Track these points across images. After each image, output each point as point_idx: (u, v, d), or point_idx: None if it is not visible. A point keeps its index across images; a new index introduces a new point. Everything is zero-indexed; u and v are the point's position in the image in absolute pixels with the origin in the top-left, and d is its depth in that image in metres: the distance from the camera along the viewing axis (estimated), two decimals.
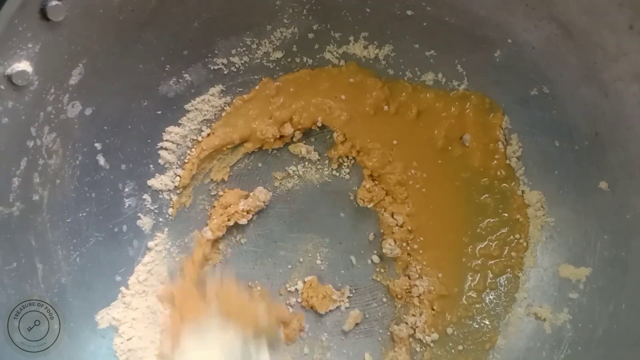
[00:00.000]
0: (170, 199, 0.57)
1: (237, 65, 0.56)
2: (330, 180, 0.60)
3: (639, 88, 0.45)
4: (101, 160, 0.51)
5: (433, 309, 0.57)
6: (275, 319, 0.56)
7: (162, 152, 0.56)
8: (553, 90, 0.52)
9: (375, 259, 0.59)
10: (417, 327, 0.57)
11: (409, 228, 0.58)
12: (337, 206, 0.60)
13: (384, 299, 0.59)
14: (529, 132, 0.56)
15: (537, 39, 0.49)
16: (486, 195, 0.57)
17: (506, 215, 0.57)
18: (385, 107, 0.57)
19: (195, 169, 0.57)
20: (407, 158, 0.58)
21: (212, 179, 0.59)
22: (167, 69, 0.52)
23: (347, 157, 0.59)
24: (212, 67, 0.55)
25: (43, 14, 0.39)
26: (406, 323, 0.58)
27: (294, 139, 0.59)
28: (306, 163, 0.60)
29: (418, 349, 0.57)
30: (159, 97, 0.53)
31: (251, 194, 0.58)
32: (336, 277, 0.60)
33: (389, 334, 0.58)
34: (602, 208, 0.51)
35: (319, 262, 0.60)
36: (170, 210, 0.57)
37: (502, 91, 0.56)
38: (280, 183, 0.60)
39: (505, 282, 0.57)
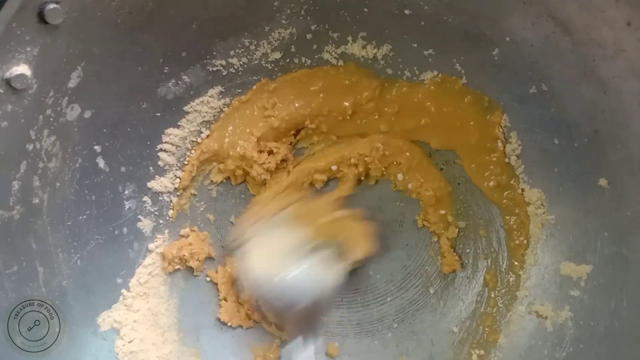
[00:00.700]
0: (170, 201, 0.57)
1: (235, 67, 0.56)
2: None
3: (637, 85, 0.45)
4: (101, 163, 0.51)
5: None
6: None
7: (161, 154, 0.56)
8: (552, 88, 0.51)
9: None
10: None
11: None
12: None
13: None
14: (528, 130, 0.56)
15: (535, 37, 0.49)
16: None
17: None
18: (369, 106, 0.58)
19: (195, 170, 0.58)
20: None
21: (212, 181, 0.59)
22: (165, 71, 0.52)
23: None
24: (210, 69, 0.55)
25: (41, 17, 0.39)
26: None
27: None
28: None
29: None
30: (158, 99, 0.53)
31: None
32: None
33: None
34: (603, 205, 0.51)
35: None
36: (170, 212, 0.57)
37: (500, 89, 0.55)
38: None
39: (506, 280, 0.57)
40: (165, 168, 0.56)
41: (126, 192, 0.54)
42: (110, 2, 0.44)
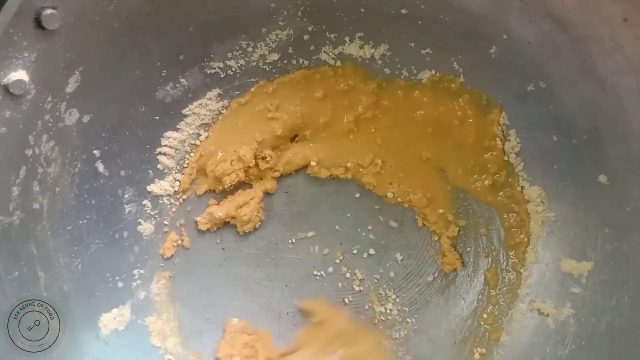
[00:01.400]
0: (170, 204, 0.57)
1: (233, 69, 0.56)
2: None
3: (635, 81, 0.45)
4: (100, 167, 0.51)
5: None
6: None
7: (161, 158, 0.56)
8: (550, 85, 0.51)
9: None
10: None
11: None
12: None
13: None
14: (527, 127, 0.55)
15: (532, 34, 0.49)
16: None
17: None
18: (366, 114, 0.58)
19: (195, 173, 0.58)
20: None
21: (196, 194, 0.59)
22: (163, 74, 0.52)
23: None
24: (208, 71, 0.55)
25: (38, 23, 0.39)
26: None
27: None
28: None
29: None
30: (157, 102, 0.53)
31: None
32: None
33: None
34: (602, 202, 0.50)
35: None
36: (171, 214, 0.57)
37: (498, 87, 0.55)
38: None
39: (507, 278, 0.57)
40: (165, 171, 0.56)
41: (126, 195, 0.54)
42: (107, 6, 0.44)
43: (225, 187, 0.57)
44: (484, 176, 0.58)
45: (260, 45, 0.56)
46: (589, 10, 0.44)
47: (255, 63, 0.56)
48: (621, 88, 0.46)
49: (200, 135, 0.57)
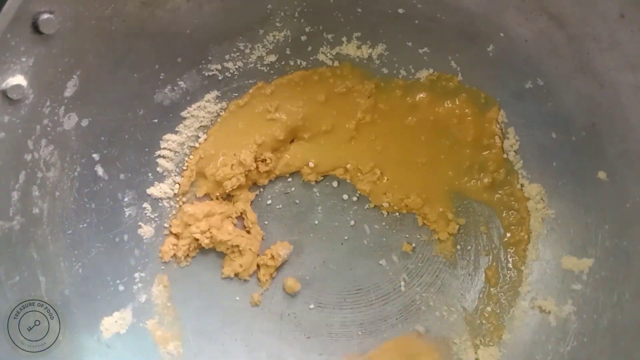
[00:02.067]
0: (170, 207, 0.57)
1: (231, 71, 0.56)
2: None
3: (633, 77, 0.45)
4: (100, 171, 0.51)
5: None
6: None
7: (160, 160, 0.56)
8: (548, 83, 0.51)
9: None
10: None
11: None
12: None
13: None
14: (525, 125, 0.56)
15: (529, 32, 0.49)
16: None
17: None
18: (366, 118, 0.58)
19: (194, 175, 0.58)
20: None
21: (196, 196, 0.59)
22: (161, 77, 0.52)
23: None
24: (206, 74, 0.55)
25: (35, 28, 0.39)
26: None
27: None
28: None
29: None
30: (155, 105, 0.54)
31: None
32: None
33: None
34: (602, 198, 0.50)
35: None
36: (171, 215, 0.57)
37: (497, 85, 0.55)
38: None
39: (508, 276, 0.57)
40: (164, 174, 0.56)
41: (126, 199, 0.54)
42: (104, 10, 0.44)
43: (227, 191, 0.57)
44: (482, 174, 0.58)
45: (258, 46, 0.56)
46: (586, 7, 0.44)
47: (253, 65, 0.56)
48: (619, 84, 0.46)
49: (199, 137, 0.57)
